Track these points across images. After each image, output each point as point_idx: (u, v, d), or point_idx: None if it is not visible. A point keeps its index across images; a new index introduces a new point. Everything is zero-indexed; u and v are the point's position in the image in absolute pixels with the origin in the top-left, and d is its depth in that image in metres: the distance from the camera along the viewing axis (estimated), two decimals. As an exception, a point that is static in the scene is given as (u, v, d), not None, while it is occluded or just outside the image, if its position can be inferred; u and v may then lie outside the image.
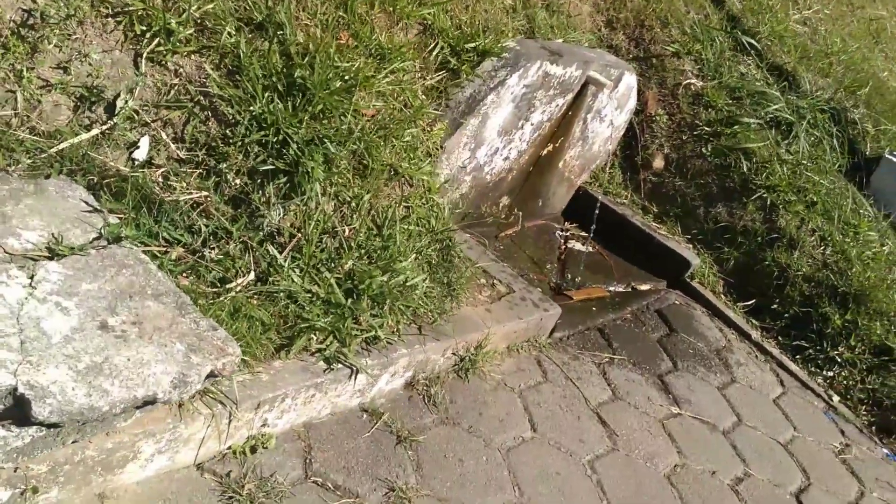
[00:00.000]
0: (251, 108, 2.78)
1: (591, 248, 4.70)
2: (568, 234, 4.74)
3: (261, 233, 2.74)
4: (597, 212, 4.63)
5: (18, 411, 1.85)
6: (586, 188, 4.91)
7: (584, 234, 4.76)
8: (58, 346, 1.98)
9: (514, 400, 3.27)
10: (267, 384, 2.46)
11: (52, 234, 2.30)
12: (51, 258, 2.24)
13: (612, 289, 4.48)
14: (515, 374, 3.42)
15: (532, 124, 4.04)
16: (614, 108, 4.57)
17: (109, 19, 2.70)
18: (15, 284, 2.10)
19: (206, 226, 2.65)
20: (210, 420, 2.28)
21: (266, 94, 2.82)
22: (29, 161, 2.49)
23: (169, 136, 2.76)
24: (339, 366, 2.67)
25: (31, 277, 2.14)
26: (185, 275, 2.56)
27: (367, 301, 2.84)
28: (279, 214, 2.78)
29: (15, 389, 1.84)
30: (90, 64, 2.67)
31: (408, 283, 2.99)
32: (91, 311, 2.12)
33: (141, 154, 2.69)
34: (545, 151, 4.35)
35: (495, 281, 3.61)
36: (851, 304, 4.50)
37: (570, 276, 4.37)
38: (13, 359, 1.90)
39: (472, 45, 3.73)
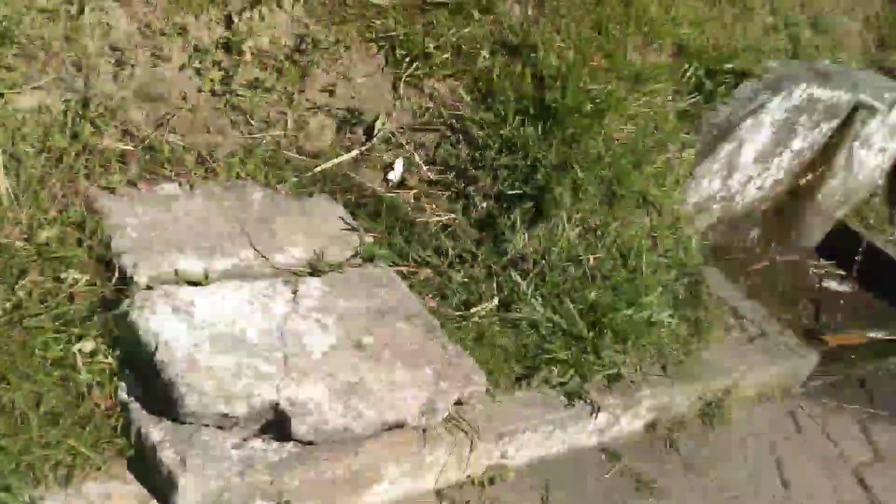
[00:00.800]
0: (501, 131, 2.76)
1: (849, 289, 4.24)
2: (823, 271, 4.31)
3: (505, 258, 2.70)
4: (860, 249, 4.18)
5: (278, 426, 1.91)
6: (846, 222, 4.45)
7: (841, 272, 4.32)
8: (317, 363, 2.03)
9: (764, 453, 2.98)
10: (508, 415, 2.40)
11: (314, 250, 2.39)
12: (312, 274, 2.32)
13: (872, 335, 4.01)
14: (766, 425, 3.12)
15: (791, 151, 3.71)
16: (885, 135, 4.11)
17: (372, 44, 2.79)
18: (280, 299, 2.18)
19: (453, 248, 2.64)
20: (452, 448, 2.25)
21: (517, 118, 2.78)
22: (295, 179, 2.61)
23: (421, 158, 2.79)
24: (580, 402, 2.56)
25: (294, 292, 2.22)
26: (430, 296, 2.56)
27: (610, 335, 2.70)
28: (524, 240, 2.72)
29: (277, 404, 1.90)
30: (353, 87, 2.76)
31: (653, 319, 2.82)
32: (348, 329, 2.16)
33: (395, 175, 2.75)
34: (803, 181, 3.98)
35: (745, 321, 3.33)
36: None
37: (824, 318, 3.96)
38: (276, 373, 1.96)
39: (729, 65, 3.49)
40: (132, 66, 2.40)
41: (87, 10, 2.30)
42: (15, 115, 2.13)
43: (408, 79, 2.81)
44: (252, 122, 2.62)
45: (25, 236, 2.03)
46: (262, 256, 2.31)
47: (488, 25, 2.91)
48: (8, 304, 1.91)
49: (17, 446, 1.70)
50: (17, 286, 1.94)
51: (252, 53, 2.62)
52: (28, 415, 1.76)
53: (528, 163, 2.73)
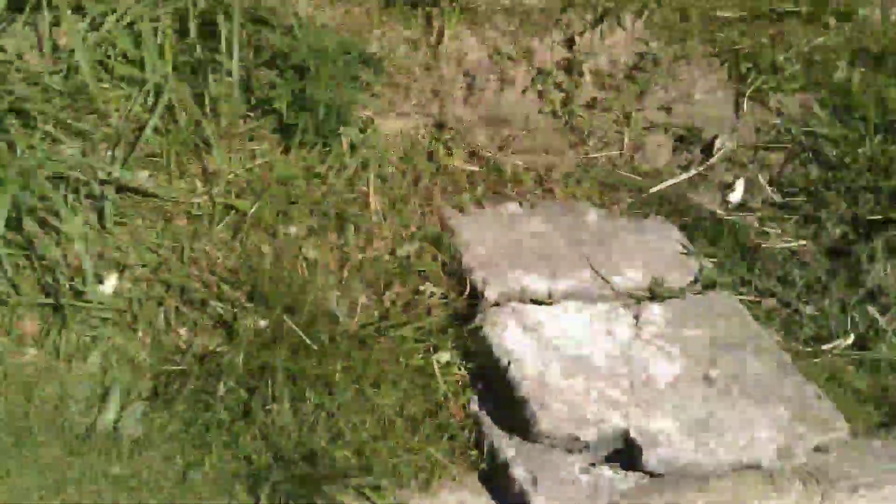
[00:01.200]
0: (861, 149, 2.52)
1: None
2: None
3: (861, 290, 2.44)
4: None
5: (625, 455, 1.87)
6: None
7: None
8: (663, 393, 1.97)
9: None
10: (864, 466, 2.15)
11: (652, 275, 2.32)
12: (651, 299, 2.26)
13: None
14: None
15: None
16: None
17: (714, 59, 2.68)
18: (622, 323, 2.15)
19: (801, 278, 2.44)
20: (800, 497, 2.06)
21: (879, 134, 2.52)
22: (630, 200, 2.56)
23: (765, 178, 2.63)
24: (948, 458, 2.24)
25: (636, 318, 2.18)
26: (774, 329, 2.39)
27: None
28: (885, 271, 2.44)
29: (626, 433, 1.86)
30: (691, 104, 2.67)
31: None
32: (693, 359, 2.07)
33: (735, 197, 2.61)
34: None
35: None
36: None
37: None
38: (624, 400, 1.93)
39: None
40: (481, 90, 2.51)
41: (445, 38, 2.44)
42: (382, 139, 2.32)
43: (752, 94, 2.65)
44: (588, 143, 2.62)
45: (390, 250, 2.19)
46: (602, 278, 2.29)
47: (846, 34, 2.66)
48: (376, 313, 2.07)
49: (386, 449, 1.83)
50: (384, 296, 2.10)
51: (591, 73, 2.62)
52: (395, 420, 1.88)
53: (893, 184, 2.45)
